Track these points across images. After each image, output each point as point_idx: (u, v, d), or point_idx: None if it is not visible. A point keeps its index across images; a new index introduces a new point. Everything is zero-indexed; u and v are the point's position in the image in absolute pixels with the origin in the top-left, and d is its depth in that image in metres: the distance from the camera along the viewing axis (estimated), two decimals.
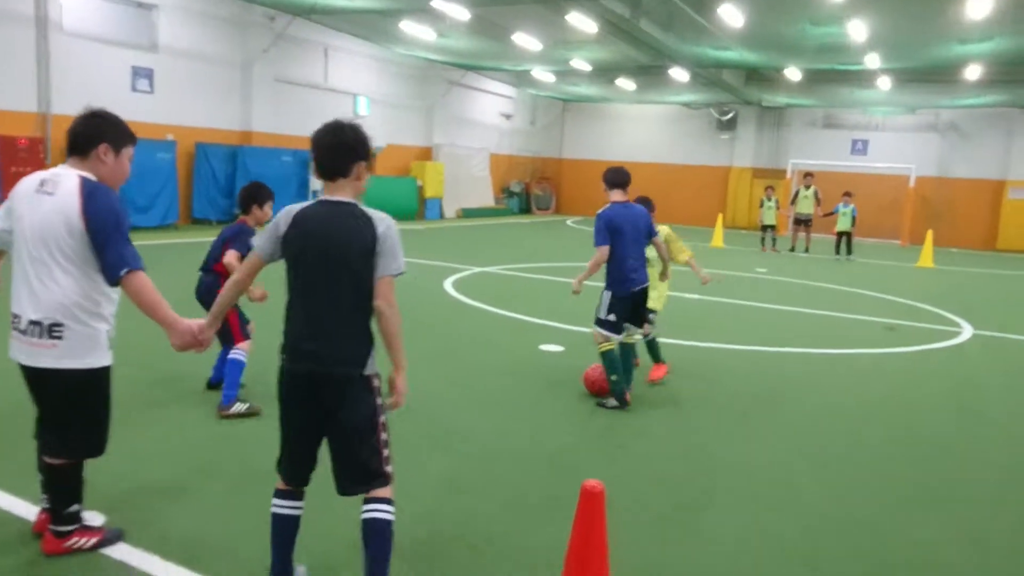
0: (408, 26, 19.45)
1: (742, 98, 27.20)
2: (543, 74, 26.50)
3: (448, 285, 11.25)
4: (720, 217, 22.83)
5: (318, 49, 21.17)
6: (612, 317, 5.88)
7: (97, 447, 3.27)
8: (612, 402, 5.85)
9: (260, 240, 3.03)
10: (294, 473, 2.99)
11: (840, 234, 19.46)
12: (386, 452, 2.95)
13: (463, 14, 17.48)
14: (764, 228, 20.31)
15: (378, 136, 22.63)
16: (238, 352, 5.27)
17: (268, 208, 5.36)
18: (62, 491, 3.24)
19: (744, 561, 3.60)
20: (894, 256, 20.83)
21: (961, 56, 19.43)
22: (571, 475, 4.39)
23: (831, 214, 19.79)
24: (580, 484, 2.27)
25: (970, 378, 7.59)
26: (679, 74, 23.74)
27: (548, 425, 5.46)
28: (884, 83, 23.23)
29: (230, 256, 5.09)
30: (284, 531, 2.99)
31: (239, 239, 5.22)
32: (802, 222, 20.22)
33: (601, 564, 2.23)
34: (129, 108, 16.39)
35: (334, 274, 2.86)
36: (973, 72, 21.07)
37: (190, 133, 17.69)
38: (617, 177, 5.98)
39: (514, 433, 5.23)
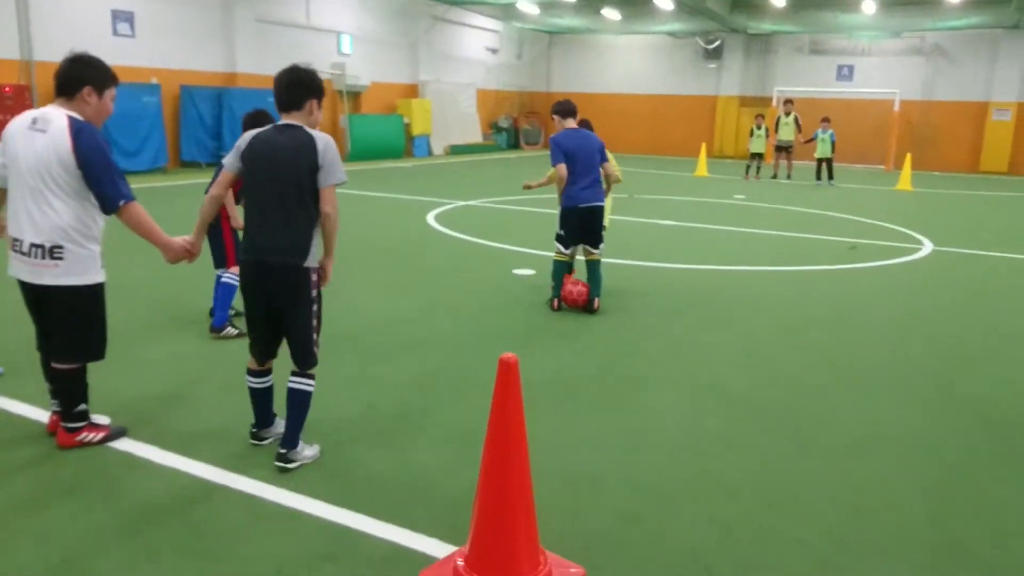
0: None
1: (728, 26, 27.07)
2: (528, 6, 26.32)
3: (431, 218, 11.66)
4: (704, 146, 23.03)
5: None
6: (562, 232, 6.56)
7: (97, 351, 3.76)
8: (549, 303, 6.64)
9: (228, 158, 3.63)
10: (258, 352, 3.70)
11: (820, 160, 19.74)
12: (316, 336, 3.65)
13: None
14: (752, 156, 20.58)
15: (362, 75, 22.72)
16: (229, 276, 5.64)
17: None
18: (70, 393, 3.72)
19: (657, 434, 4.12)
20: (876, 181, 21.14)
21: None
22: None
23: (811, 140, 20.05)
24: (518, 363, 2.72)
25: (914, 289, 8.07)
26: (664, 2, 23.66)
27: (505, 327, 5.96)
28: (868, 7, 23.18)
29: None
30: (259, 400, 3.78)
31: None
32: (783, 149, 20.48)
33: (519, 429, 2.70)
34: (111, 52, 16.42)
35: (282, 182, 3.45)
36: None
37: (174, 76, 17.81)
38: (567, 107, 6.70)
39: (471, 335, 5.76)
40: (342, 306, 6.18)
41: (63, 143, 3.41)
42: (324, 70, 21.48)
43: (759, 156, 20.48)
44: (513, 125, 30.74)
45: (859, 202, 15.90)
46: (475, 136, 28.16)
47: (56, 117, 3.47)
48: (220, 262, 5.68)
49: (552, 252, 6.80)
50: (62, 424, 3.76)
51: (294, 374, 3.64)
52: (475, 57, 29.05)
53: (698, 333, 6.21)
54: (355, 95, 23.00)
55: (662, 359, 5.53)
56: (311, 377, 3.66)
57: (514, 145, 30.64)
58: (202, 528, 3.10)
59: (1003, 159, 25.56)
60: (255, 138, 3.55)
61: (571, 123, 6.66)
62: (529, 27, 30.92)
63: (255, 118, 5.47)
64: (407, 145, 24.23)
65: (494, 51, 30.08)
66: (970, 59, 25.91)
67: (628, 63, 31.22)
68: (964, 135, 26.21)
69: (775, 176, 20.68)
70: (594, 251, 6.61)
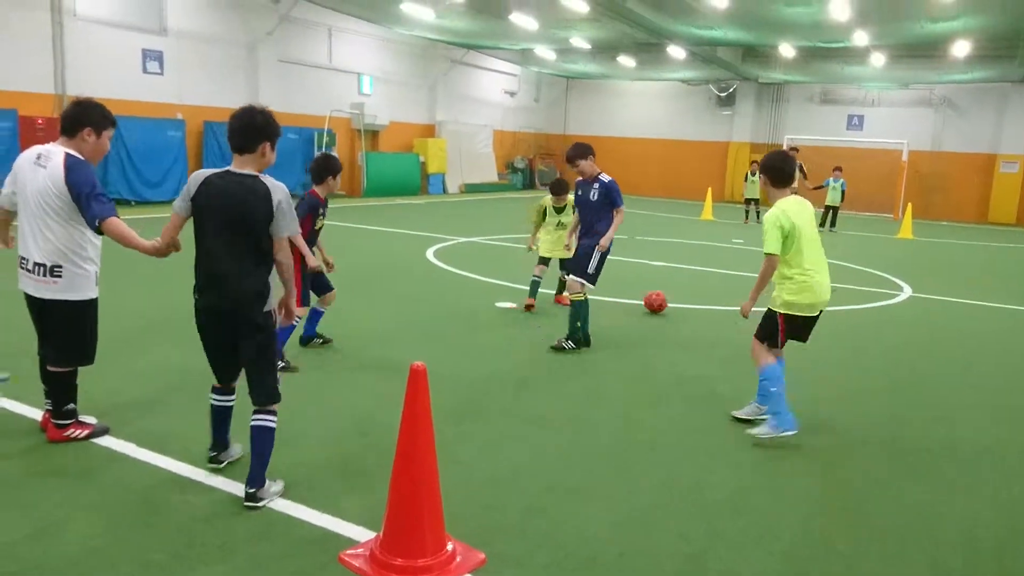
0: (408, 7, 20.22)
1: (740, 74, 27.72)
2: (544, 52, 27.18)
3: (430, 253, 12.18)
4: (710, 191, 23.50)
5: (322, 30, 22.03)
6: (599, 272, 6.89)
7: (87, 357, 4.28)
8: (571, 344, 6.77)
9: (177, 201, 3.71)
10: (219, 377, 3.95)
11: (828, 207, 20.11)
12: (276, 374, 3.78)
13: None
14: (747, 201, 21.01)
15: (381, 114, 23.55)
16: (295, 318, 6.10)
17: (339, 179, 6.04)
18: (61, 393, 4.23)
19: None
20: (881, 229, 21.42)
21: (945, 32, 19.90)
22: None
23: (821, 187, 20.43)
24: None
25: (879, 330, 8.40)
26: (676, 52, 24.34)
27: (472, 354, 6.41)
28: (877, 59, 23.68)
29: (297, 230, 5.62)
30: (218, 419, 4.02)
31: (298, 208, 5.66)
32: None
33: (427, 429, 3.13)
34: (140, 89, 17.48)
35: (232, 231, 3.57)
36: (961, 48, 21.50)
37: (199, 112, 18.68)
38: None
39: (438, 358, 6.21)
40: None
41: (58, 177, 3.96)
42: (344, 109, 22.36)
43: (755, 201, 20.88)
44: (529, 166, 31.46)
45: (856, 249, 16.22)
46: (490, 175, 28.88)
47: (55, 154, 4.03)
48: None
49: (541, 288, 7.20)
50: (52, 421, 4.26)
51: (257, 412, 3.71)
52: (493, 99, 29.92)
53: (616, 362, 6.61)
54: (373, 133, 23.81)
55: (594, 385, 5.94)
56: (274, 413, 3.73)
57: (529, 185, 31.30)
58: (161, 508, 3.57)
59: (1011, 211, 25.76)
60: (206, 182, 3.59)
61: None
62: (547, 71, 31.79)
63: (329, 166, 5.94)
64: (422, 183, 24.96)
65: (512, 94, 30.95)
66: (978, 111, 26.30)
67: (643, 108, 31.93)
68: (972, 186, 26.48)
69: None
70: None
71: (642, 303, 8.71)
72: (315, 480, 3.96)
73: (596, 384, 5.97)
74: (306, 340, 6.45)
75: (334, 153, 5.89)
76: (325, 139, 21.02)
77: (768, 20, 19.85)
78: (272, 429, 3.72)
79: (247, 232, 3.57)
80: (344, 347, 6.53)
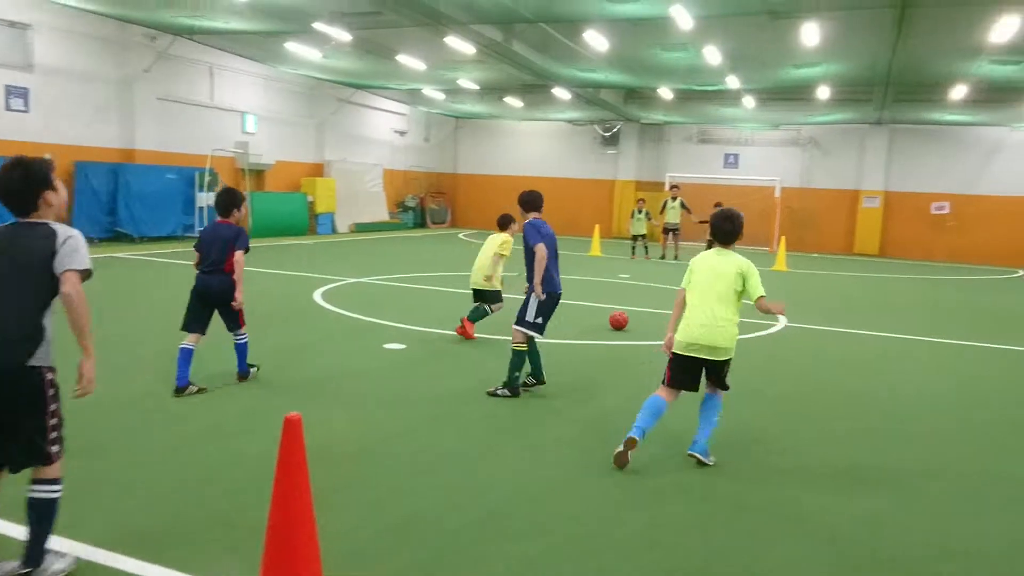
0: (293, 46, 20.00)
1: (623, 115, 28.76)
2: (433, 92, 27.39)
3: (317, 295, 11.90)
4: (597, 228, 24.13)
5: (203, 68, 21.45)
6: (539, 320, 6.69)
7: None
8: (505, 392, 6.64)
9: None
10: None
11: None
12: (53, 435, 3.28)
13: (345, 36, 18.17)
14: (634, 238, 21.68)
15: (267, 153, 23.06)
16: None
17: (246, 208, 6.42)
18: None
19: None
20: (758, 262, 22.26)
21: (809, 77, 21.31)
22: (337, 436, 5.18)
23: (705, 222, 21.25)
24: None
25: (758, 359, 8.76)
26: (562, 93, 25.02)
27: (356, 401, 6.27)
28: (748, 102, 25.09)
29: (241, 257, 6.33)
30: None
31: (243, 238, 6.39)
32: (670, 231, 21.72)
33: (303, 481, 3.02)
34: (3, 127, 16.47)
35: (10, 280, 3.21)
36: (823, 92, 23.08)
37: (69, 151, 17.74)
38: (537, 200, 7.24)
39: (319, 406, 6.03)
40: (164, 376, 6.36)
41: None
42: (227, 148, 21.77)
43: (642, 237, 21.59)
44: (420, 204, 31.45)
45: None
46: (381, 215, 28.67)
47: None
48: (236, 323, 6.53)
49: (425, 328, 7.13)
50: None
51: (35, 482, 3.25)
52: (382, 138, 29.84)
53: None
54: (258, 173, 23.26)
55: (466, 425, 5.91)
56: (56, 482, 3.29)
57: (421, 224, 31.27)
58: None
59: (874, 242, 27.62)
60: None
61: (535, 214, 7.02)
62: (436, 111, 32.03)
63: (234, 199, 6.51)
64: (311, 223, 24.50)
65: (402, 133, 30.97)
66: (841, 151, 28.20)
67: (532, 147, 32.60)
68: (839, 220, 28.26)
69: (663, 256, 21.78)
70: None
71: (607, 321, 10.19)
72: (190, 539, 3.72)
73: (483, 426, 5.93)
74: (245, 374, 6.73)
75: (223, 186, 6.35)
76: (207, 179, 20.36)
77: (647, 64, 20.73)
78: (56, 500, 3.28)
79: (30, 278, 3.23)
80: (216, 394, 6.25)
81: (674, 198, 21.55)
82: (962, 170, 26.94)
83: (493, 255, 8.98)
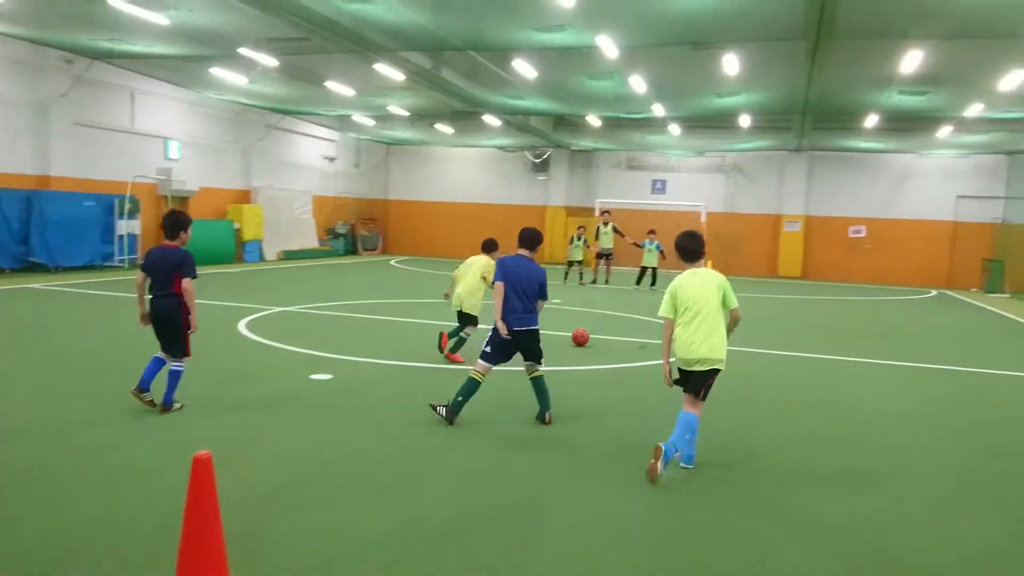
0: (218, 72, 19.63)
1: (553, 142, 29.12)
2: (363, 118, 27.25)
3: (242, 325, 11.59)
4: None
5: (123, 92, 20.87)
6: (488, 349, 6.79)
7: None
8: (442, 411, 6.66)
9: None
10: None
11: (645, 268, 21.26)
12: None
13: (272, 62, 17.94)
14: (570, 263, 21.87)
15: (191, 179, 22.51)
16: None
17: (190, 231, 6.73)
18: None
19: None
20: None
21: (730, 106, 21.98)
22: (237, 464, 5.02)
23: (639, 246, 21.61)
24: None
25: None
26: (492, 120, 25.19)
27: (276, 434, 6.09)
28: (674, 129, 25.73)
29: (189, 284, 6.47)
30: None
31: (189, 265, 6.51)
32: (604, 256, 21.98)
33: (214, 522, 2.89)
34: None
35: None
36: (745, 120, 23.84)
37: None
38: (522, 235, 7.07)
39: (238, 439, 5.83)
40: (88, 408, 6.08)
41: None
42: (149, 175, 21.18)
43: (579, 263, 21.83)
44: (351, 231, 31.11)
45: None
46: (311, 241, 28.25)
47: None
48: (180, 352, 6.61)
49: (353, 357, 6.98)
50: None
51: None
52: (312, 164, 29.49)
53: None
54: (182, 200, 22.66)
55: (403, 448, 5.82)
56: None
57: (352, 251, 30.93)
58: None
59: (796, 265, 28.50)
60: None
61: (522, 252, 6.92)
62: (366, 137, 31.85)
63: (182, 222, 6.69)
64: (237, 250, 23.96)
65: (331, 159, 30.66)
66: (763, 177, 29.12)
67: (463, 173, 32.69)
68: (763, 244, 29.09)
69: (595, 281, 22.01)
70: (537, 367, 6.91)
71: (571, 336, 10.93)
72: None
73: (410, 457, 5.83)
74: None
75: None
76: (127, 206, 19.74)
77: (575, 92, 21.06)
78: None
79: None
80: (134, 426, 5.99)
81: (606, 223, 21.86)
82: (877, 195, 28.13)
83: (481, 278, 9.48)
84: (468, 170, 32.68)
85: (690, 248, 5.79)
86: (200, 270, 6.93)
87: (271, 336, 10.69)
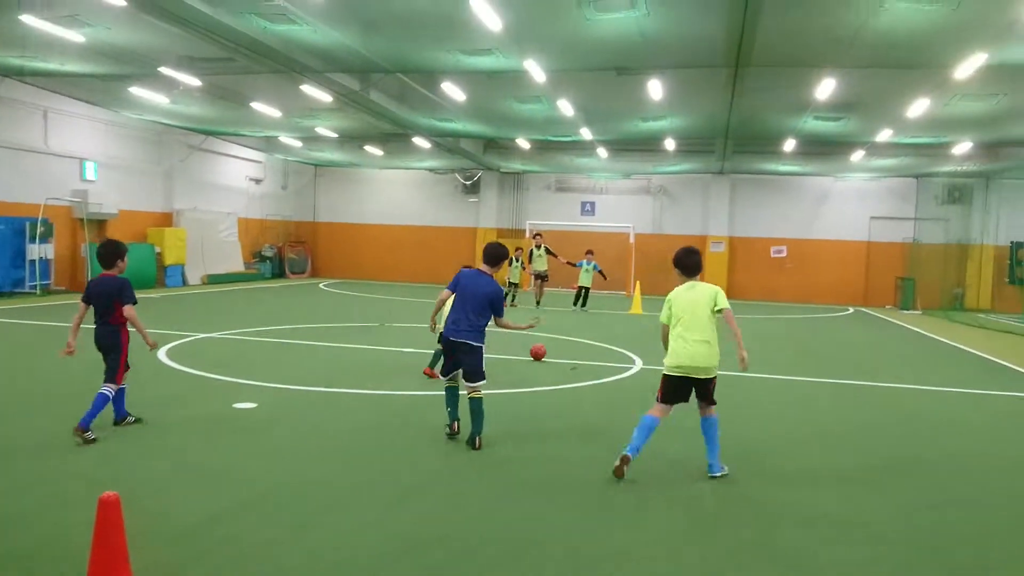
0: (138, 91, 19.08)
1: (483, 164, 29.23)
2: (290, 140, 26.85)
3: (162, 353, 11.19)
4: None
5: (36, 111, 20.07)
6: (441, 361, 7.28)
7: None
8: (447, 429, 7.03)
9: None
10: None
11: (581, 287, 21.40)
12: None
13: (195, 81, 17.53)
14: (509, 285, 21.84)
15: (109, 202, 21.76)
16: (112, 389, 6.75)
17: (127, 260, 6.95)
18: None
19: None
20: (617, 306, 23.18)
21: (655, 130, 22.47)
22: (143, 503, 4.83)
23: (575, 266, 21.72)
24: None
25: (612, 400, 8.94)
26: (421, 142, 25.15)
27: (198, 470, 5.87)
28: (602, 152, 26.17)
29: (131, 311, 6.65)
30: None
31: (127, 292, 6.68)
32: (539, 277, 21.98)
33: (121, 566, 2.74)
34: None
35: None
36: (670, 144, 24.42)
37: None
38: (486, 251, 7.22)
39: (156, 478, 5.59)
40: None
41: None
42: (63, 197, 20.40)
43: (516, 285, 21.85)
44: (278, 254, 30.52)
45: (597, 326, 17.37)
46: (236, 265, 27.59)
47: None
48: (111, 375, 6.70)
49: (281, 385, 6.81)
50: None
51: None
52: (237, 186, 28.87)
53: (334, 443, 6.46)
54: (100, 223, 21.86)
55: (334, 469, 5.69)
56: None
57: (279, 274, 30.33)
58: None
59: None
60: None
61: (484, 267, 7.06)
62: (293, 159, 31.38)
63: (119, 251, 6.88)
64: (159, 275, 23.22)
65: (258, 181, 30.08)
66: (689, 198, 29.82)
67: (393, 195, 32.49)
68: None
69: (539, 303, 21.86)
70: (470, 384, 6.84)
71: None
72: None
73: (339, 489, 5.69)
74: (121, 419, 6.93)
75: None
76: (39, 229, 18.92)
77: (504, 115, 21.22)
78: None
79: None
80: (40, 465, 5.68)
81: (538, 246, 21.93)
82: (796, 216, 29.09)
83: None
84: (398, 192, 32.50)
85: (688, 263, 6.37)
86: None
87: (193, 364, 10.35)
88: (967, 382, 11.58)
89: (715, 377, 6.10)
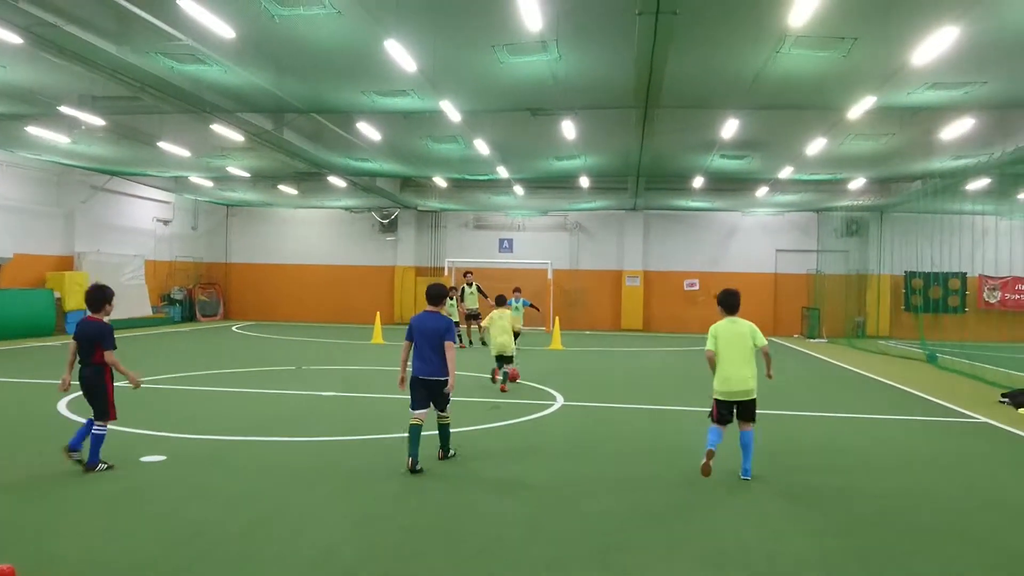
0: (36, 131, 18.33)
1: (400, 202, 29.17)
2: (200, 179, 26.19)
3: (62, 405, 10.61)
4: (378, 315, 23.94)
5: None
6: (411, 398, 7.58)
7: None
8: (411, 464, 7.29)
9: None
10: None
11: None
12: None
13: (98, 121, 16.95)
14: (455, 325, 21.55)
15: (4, 245, 20.73)
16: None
17: (114, 303, 7.38)
18: None
19: None
20: (538, 342, 23.29)
21: (570, 168, 22.93)
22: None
23: (506, 306, 21.52)
24: None
25: (530, 440, 8.94)
26: (337, 181, 24.92)
27: (102, 534, 5.57)
28: (518, 190, 26.50)
29: (111, 356, 7.08)
30: None
31: (107, 338, 7.07)
32: (472, 317, 21.77)
33: None
34: None
35: None
36: (584, 181, 24.95)
37: None
38: (429, 291, 7.83)
39: (54, 544, 5.28)
40: None
41: None
42: None
43: (457, 324, 21.63)
44: (188, 296, 29.56)
45: (518, 363, 17.35)
46: (143, 309, 26.58)
47: None
48: (102, 414, 7.12)
49: (192, 436, 6.53)
50: None
51: None
52: (144, 227, 27.93)
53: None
54: None
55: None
56: None
57: (190, 317, 29.35)
58: None
59: (638, 318, 29.78)
60: None
61: (430, 307, 7.70)
62: (204, 199, 30.59)
63: (106, 295, 7.25)
64: (58, 322, 22.12)
65: (166, 222, 29.17)
66: (604, 235, 30.44)
67: (309, 235, 32.02)
68: (607, 299, 30.25)
69: (471, 343, 21.64)
70: (442, 413, 7.76)
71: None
72: None
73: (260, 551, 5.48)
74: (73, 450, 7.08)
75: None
76: None
77: (420, 154, 21.29)
78: None
79: None
80: None
81: (469, 284, 21.82)
82: (708, 250, 30.05)
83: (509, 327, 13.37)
84: (314, 231, 32.05)
85: (731, 303, 7.50)
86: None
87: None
88: (864, 408, 12.09)
89: (755, 399, 7.25)
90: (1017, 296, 28.19)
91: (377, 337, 22.16)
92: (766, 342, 7.33)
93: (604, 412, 11.24)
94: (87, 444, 7.12)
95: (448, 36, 11.98)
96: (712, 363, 7.27)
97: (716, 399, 7.26)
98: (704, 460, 7.00)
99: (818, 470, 7.92)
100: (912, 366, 18.49)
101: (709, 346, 7.29)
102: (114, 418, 7.26)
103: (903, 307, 28.55)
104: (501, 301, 13.88)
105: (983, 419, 11.11)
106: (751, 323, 7.34)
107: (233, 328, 26.78)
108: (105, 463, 7.14)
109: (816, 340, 26.55)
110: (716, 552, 5.42)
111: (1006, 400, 12.36)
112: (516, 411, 10.94)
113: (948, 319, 26.69)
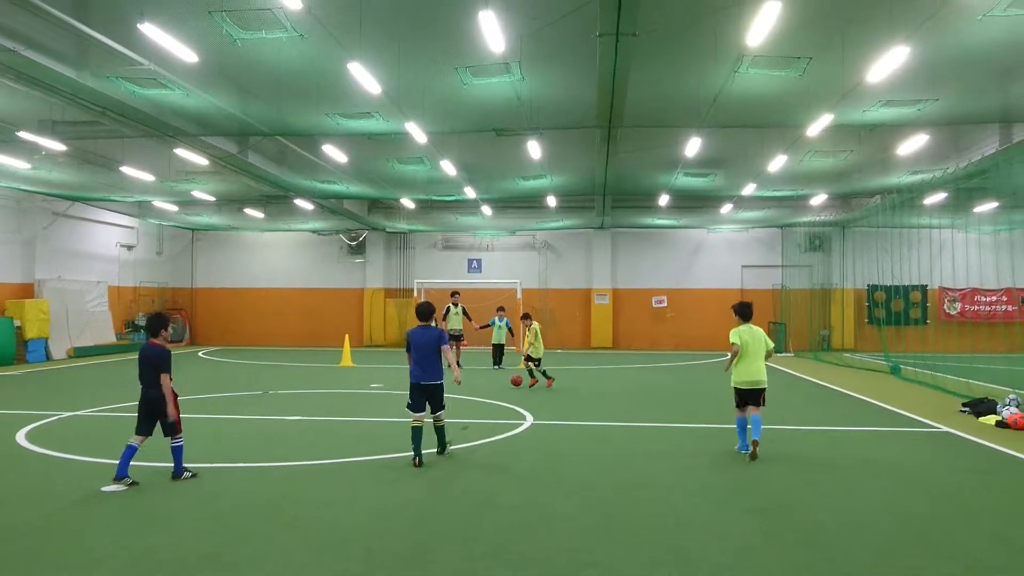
0: None
1: (368, 224, 29.09)
2: (165, 204, 25.92)
3: (21, 436, 10.39)
4: (347, 337, 23.75)
5: None
6: (410, 401, 8.82)
7: None
8: (415, 460, 8.50)
9: None
10: None
11: (496, 346, 21.17)
12: None
13: (58, 146, 16.73)
14: None
15: None
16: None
17: (171, 330, 8.09)
18: None
19: None
20: (509, 361, 23.20)
21: (537, 188, 23.08)
22: None
23: (487, 327, 21.53)
24: None
25: (500, 459, 8.93)
26: (304, 204, 24.82)
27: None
28: (486, 210, 26.57)
29: (166, 380, 7.60)
30: None
31: (164, 362, 7.63)
32: (454, 338, 21.62)
33: None
34: None
35: None
36: (551, 201, 25.11)
37: None
38: (418, 309, 9.10)
39: None
40: None
41: None
42: None
43: None
44: None
45: (487, 383, 17.33)
46: (107, 336, 26.14)
47: None
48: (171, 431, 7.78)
49: (156, 464, 6.41)
50: None
51: None
52: (107, 253, 27.53)
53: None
54: None
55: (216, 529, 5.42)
56: None
57: None
58: None
59: (607, 336, 29.91)
60: None
61: (421, 323, 8.92)
62: (168, 223, 30.24)
63: (163, 322, 7.99)
64: (18, 350, 21.69)
65: (130, 247, 28.77)
66: (572, 253, 30.59)
67: (276, 258, 31.77)
68: (576, 317, 30.36)
69: (450, 365, 21.39)
70: (437, 415, 8.97)
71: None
72: None
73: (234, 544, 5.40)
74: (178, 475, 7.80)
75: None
76: None
77: (387, 176, 21.30)
78: None
79: None
80: None
81: (455, 304, 21.60)
82: (674, 267, 30.33)
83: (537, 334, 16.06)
84: (281, 255, 31.81)
85: (746, 312, 9.55)
86: None
87: (56, 446, 9.65)
88: (829, 420, 12.24)
89: (766, 388, 9.17)
90: (976, 307, 28.81)
91: (346, 360, 22.00)
92: (773, 344, 9.49)
93: (574, 430, 11.27)
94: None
95: (411, 58, 12.06)
96: (735, 354, 9.17)
97: (737, 388, 9.18)
98: (751, 450, 8.87)
99: (784, 482, 8.00)
100: (876, 378, 18.77)
101: (734, 340, 9.20)
102: (180, 431, 7.86)
103: (867, 320, 29.03)
104: (528, 315, 17.35)
105: (945, 428, 11.32)
106: (760, 329, 9.44)
107: (200, 354, 26.41)
108: (189, 471, 7.89)
109: (782, 354, 26.86)
110: (686, 564, 5.45)
111: (967, 410, 12.61)
112: (486, 431, 10.92)
113: (910, 331, 27.15)
